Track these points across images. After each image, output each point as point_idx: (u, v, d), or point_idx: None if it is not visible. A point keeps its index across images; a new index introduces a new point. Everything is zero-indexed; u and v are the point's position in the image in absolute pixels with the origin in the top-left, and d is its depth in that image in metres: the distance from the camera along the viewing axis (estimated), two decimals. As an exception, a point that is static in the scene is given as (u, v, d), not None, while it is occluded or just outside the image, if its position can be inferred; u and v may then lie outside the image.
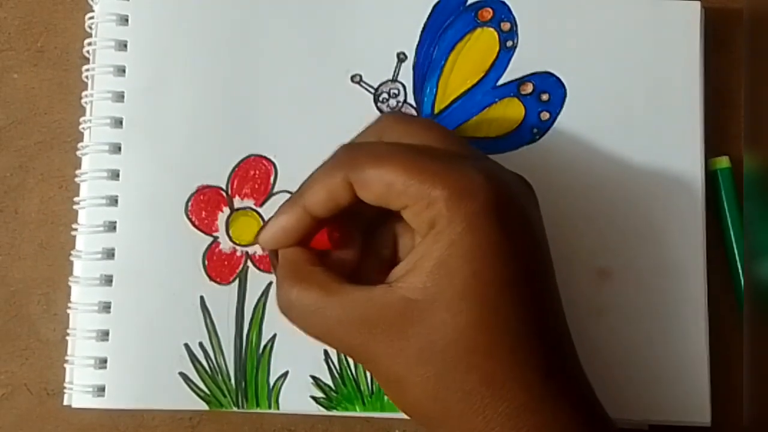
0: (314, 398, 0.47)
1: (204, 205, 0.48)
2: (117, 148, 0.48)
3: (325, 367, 0.47)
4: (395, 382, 0.39)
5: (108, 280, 0.47)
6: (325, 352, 0.47)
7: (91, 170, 0.48)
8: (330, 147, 0.43)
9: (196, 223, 0.48)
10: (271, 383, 0.47)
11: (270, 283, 0.47)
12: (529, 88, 0.50)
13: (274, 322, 0.47)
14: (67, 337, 0.47)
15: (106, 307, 0.47)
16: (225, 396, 0.47)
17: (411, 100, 0.50)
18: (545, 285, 0.40)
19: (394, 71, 0.50)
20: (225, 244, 0.48)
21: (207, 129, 0.49)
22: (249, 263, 0.48)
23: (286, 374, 0.47)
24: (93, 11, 0.49)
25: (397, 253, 0.43)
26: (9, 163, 0.52)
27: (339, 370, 0.47)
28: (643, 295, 0.49)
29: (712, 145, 0.51)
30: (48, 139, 0.52)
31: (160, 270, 0.47)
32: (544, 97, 0.50)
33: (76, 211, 0.48)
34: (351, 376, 0.47)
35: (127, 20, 0.49)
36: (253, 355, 0.47)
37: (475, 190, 0.38)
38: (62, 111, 0.52)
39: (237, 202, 0.48)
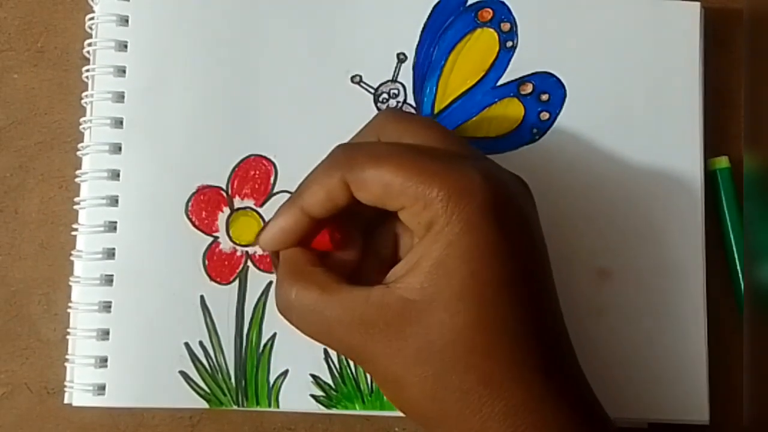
0: (314, 397, 0.47)
1: (204, 205, 0.48)
2: (117, 149, 0.48)
3: (325, 365, 0.47)
4: (393, 382, 0.39)
5: (108, 280, 0.47)
6: (325, 351, 0.47)
7: (91, 170, 0.48)
8: (330, 147, 0.43)
9: (197, 223, 0.48)
10: (271, 382, 0.47)
11: (270, 283, 0.48)
12: (528, 88, 0.50)
13: (274, 321, 0.47)
14: (68, 337, 0.47)
15: (107, 307, 0.47)
16: (225, 395, 0.47)
17: (411, 100, 0.50)
18: (543, 285, 0.40)
19: (394, 71, 0.50)
20: (225, 244, 0.48)
21: (207, 129, 0.49)
22: (249, 263, 0.48)
23: (286, 373, 0.47)
24: (93, 11, 0.49)
25: (397, 253, 0.43)
26: (9, 163, 0.52)
27: (339, 369, 0.47)
28: (642, 294, 0.49)
29: (712, 145, 0.51)
30: (48, 139, 0.52)
31: (160, 270, 0.47)
32: (544, 97, 0.50)
33: (77, 211, 0.48)
34: (351, 375, 0.47)
35: (127, 21, 0.49)
36: (253, 354, 0.47)
37: (472, 190, 0.38)
38: (62, 111, 0.52)
39: (237, 202, 0.48)
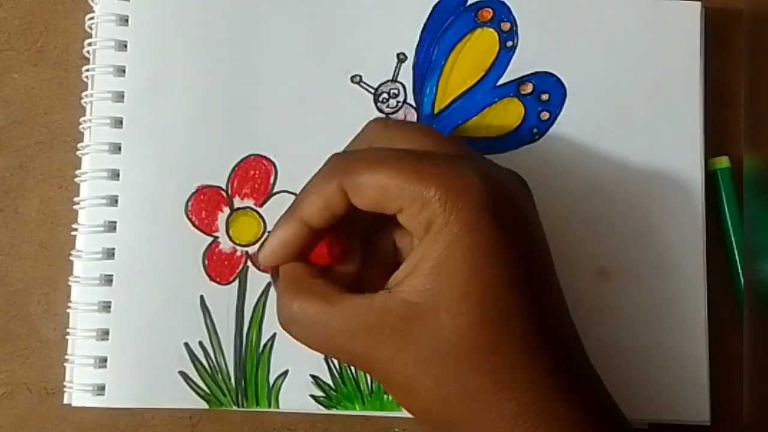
0: (314, 397, 0.47)
1: (204, 205, 0.48)
2: (117, 148, 0.48)
3: (325, 366, 0.47)
4: (404, 387, 0.39)
5: (108, 280, 0.47)
6: (325, 352, 0.47)
7: (91, 170, 0.48)
8: (330, 147, 0.43)
9: (196, 222, 0.48)
10: (271, 382, 0.47)
11: (270, 283, 0.47)
12: (529, 88, 0.50)
13: (274, 321, 0.46)
14: (67, 337, 0.47)
15: (106, 307, 0.47)
16: (225, 395, 0.47)
17: (411, 100, 0.50)
18: (546, 285, 0.40)
19: (394, 71, 0.50)
20: (225, 244, 0.48)
21: (207, 129, 0.49)
22: (249, 263, 0.48)
23: (286, 373, 0.47)
24: (93, 11, 0.49)
25: (397, 257, 0.43)
26: (9, 163, 0.52)
27: (339, 369, 0.47)
28: (642, 294, 0.49)
29: (712, 145, 0.51)
30: (48, 139, 0.52)
31: (160, 270, 0.47)
32: (544, 97, 0.50)
33: (76, 211, 0.48)
34: (351, 375, 0.47)
35: (127, 20, 0.49)
36: (253, 354, 0.47)
37: (470, 189, 0.38)
38: (62, 111, 0.52)
39: (237, 202, 0.48)
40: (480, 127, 0.50)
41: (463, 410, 0.38)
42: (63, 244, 0.50)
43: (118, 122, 0.48)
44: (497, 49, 0.50)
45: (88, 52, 0.49)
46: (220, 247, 0.48)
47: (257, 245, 0.48)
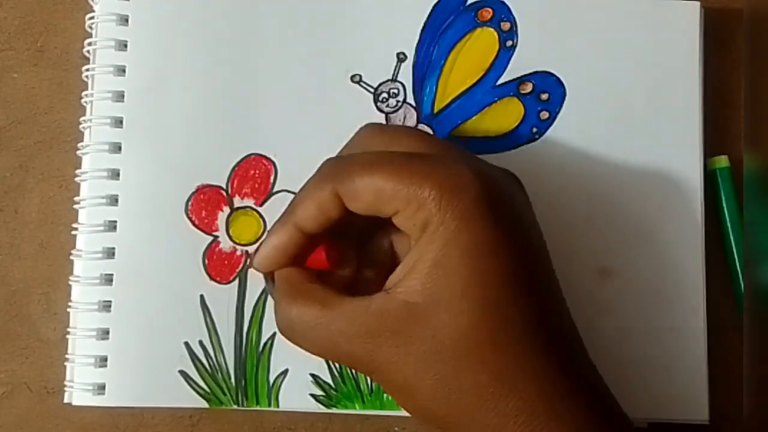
0: (314, 396, 0.47)
1: (204, 205, 0.48)
2: (117, 148, 0.48)
3: (325, 365, 0.47)
4: (404, 388, 0.39)
5: (108, 280, 0.47)
6: (325, 351, 0.47)
7: (91, 170, 0.48)
8: (330, 146, 0.43)
9: (196, 222, 0.48)
10: (271, 381, 0.47)
11: (270, 282, 0.48)
12: (528, 87, 0.50)
13: (274, 320, 0.47)
14: (67, 336, 0.47)
15: (107, 306, 0.47)
16: (225, 394, 0.47)
17: (411, 99, 0.50)
18: (545, 282, 0.40)
19: (394, 71, 0.50)
20: (225, 244, 0.48)
21: (207, 128, 0.49)
22: (249, 262, 0.48)
23: (285, 372, 0.47)
24: (93, 11, 0.49)
25: (393, 260, 0.43)
26: (9, 163, 0.52)
27: (339, 369, 0.47)
28: (642, 293, 0.49)
29: (712, 145, 0.51)
30: (48, 139, 0.52)
31: (160, 269, 0.47)
32: (544, 96, 0.50)
33: (76, 211, 0.48)
34: (350, 375, 0.47)
35: (127, 20, 0.49)
36: (253, 353, 0.47)
37: (464, 186, 0.38)
38: (62, 111, 0.52)
39: (237, 202, 0.48)
40: (480, 126, 0.50)
41: (464, 409, 0.38)
42: (63, 243, 0.50)
43: (118, 122, 0.48)
44: (497, 48, 0.50)
45: (88, 51, 0.49)
46: (220, 246, 0.48)
47: (257, 244, 0.48)
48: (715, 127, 0.52)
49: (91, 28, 0.49)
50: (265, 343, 0.47)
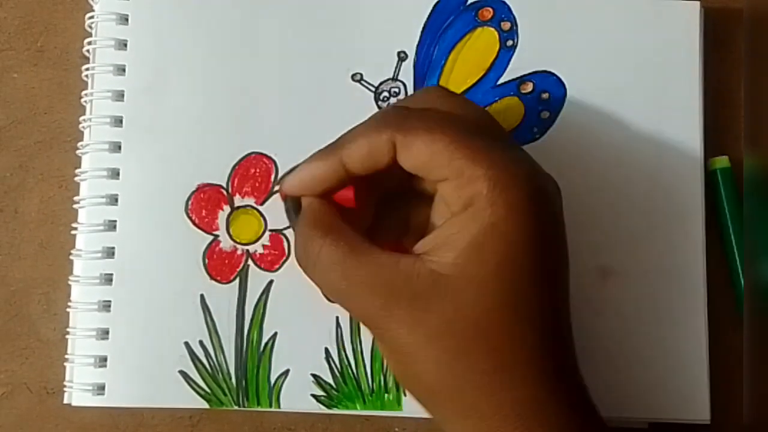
0: (315, 396, 0.47)
1: (204, 204, 0.48)
2: (117, 147, 0.48)
3: (326, 365, 0.47)
4: (406, 353, 0.39)
5: (108, 279, 0.47)
6: (326, 351, 0.47)
7: (91, 169, 0.48)
8: (330, 145, 0.43)
9: (197, 221, 0.48)
10: (272, 381, 0.47)
11: (271, 282, 0.47)
12: (529, 87, 0.50)
13: (275, 320, 0.47)
14: (67, 336, 0.47)
15: (106, 306, 0.47)
16: (225, 394, 0.47)
17: (411, 99, 0.50)
18: (561, 287, 0.41)
19: (395, 70, 0.50)
20: (225, 243, 0.48)
21: (207, 127, 0.49)
22: (249, 262, 0.48)
23: (286, 372, 0.47)
24: (93, 10, 0.49)
25: (410, 227, 0.43)
26: (9, 163, 0.52)
27: (340, 369, 0.47)
28: (642, 294, 0.49)
29: (712, 145, 0.51)
30: (48, 139, 0.52)
31: (160, 269, 0.47)
32: (545, 96, 0.50)
33: (76, 211, 0.48)
34: (352, 375, 0.47)
35: (127, 19, 0.49)
36: (254, 354, 0.47)
37: (519, 179, 0.38)
38: (62, 110, 0.52)
39: (237, 201, 0.48)
40: (480, 126, 0.50)
41: (466, 387, 0.38)
42: (63, 243, 0.50)
43: (118, 121, 0.48)
44: (497, 48, 0.50)
45: (88, 51, 0.49)
46: (221, 245, 0.48)
47: (258, 244, 0.48)
48: (715, 127, 0.52)
49: (90, 27, 0.49)
50: (266, 344, 0.47)
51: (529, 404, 0.37)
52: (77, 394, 0.47)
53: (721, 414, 0.49)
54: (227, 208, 0.48)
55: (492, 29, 0.50)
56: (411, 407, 0.41)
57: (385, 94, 0.49)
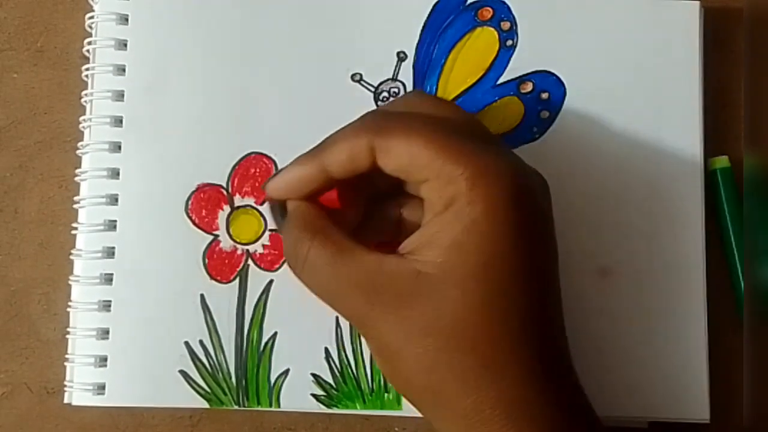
0: (315, 396, 0.47)
1: (204, 204, 0.48)
2: (117, 147, 0.48)
3: (326, 365, 0.47)
4: (391, 351, 0.39)
5: (108, 279, 0.47)
6: (326, 350, 0.47)
7: (91, 169, 0.48)
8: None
9: (197, 221, 0.48)
10: (272, 381, 0.47)
11: (271, 282, 0.47)
12: (528, 86, 0.50)
13: (275, 320, 0.47)
14: (67, 336, 0.47)
15: (107, 306, 0.47)
16: (225, 394, 0.47)
17: (411, 99, 0.50)
18: (549, 285, 0.41)
19: (395, 70, 0.50)
20: (225, 243, 0.48)
21: (207, 127, 0.49)
22: (249, 262, 0.48)
23: (286, 372, 0.47)
24: (93, 10, 0.49)
25: (400, 228, 0.43)
26: (9, 163, 0.52)
27: (340, 368, 0.47)
28: (642, 293, 0.49)
29: (712, 145, 0.51)
30: (48, 139, 0.52)
31: (160, 268, 0.47)
32: (544, 95, 0.50)
33: (76, 211, 0.48)
34: (352, 375, 0.47)
35: (127, 19, 0.49)
36: (254, 353, 0.47)
37: (498, 174, 0.38)
38: (62, 111, 0.52)
39: (237, 201, 0.48)
40: (480, 126, 0.50)
41: (448, 386, 0.38)
42: (63, 243, 0.50)
43: (118, 121, 0.48)
44: (497, 48, 0.50)
45: (88, 51, 0.49)
46: (221, 245, 0.48)
47: (258, 243, 0.48)
48: (715, 127, 0.52)
49: (90, 27, 0.49)
50: (266, 343, 0.47)
51: (515, 404, 0.37)
52: (77, 394, 0.47)
53: (721, 414, 0.49)
54: (227, 208, 0.48)
55: (492, 29, 0.50)
56: (411, 407, 0.41)
57: (385, 94, 0.49)
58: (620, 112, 0.50)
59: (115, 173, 0.48)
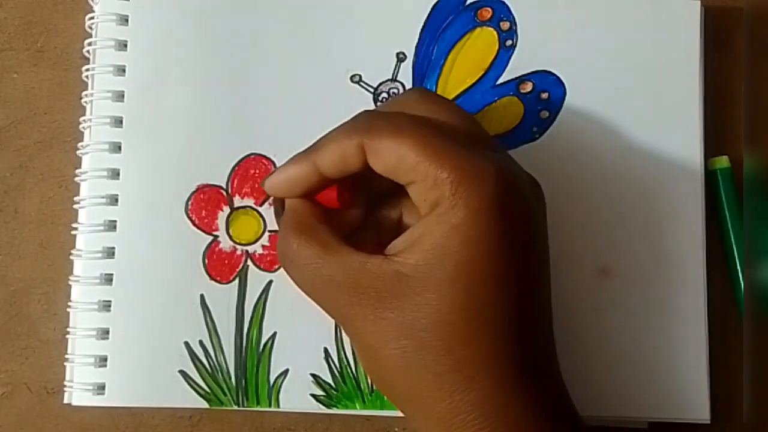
0: (314, 396, 0.47)
1: (204, 204, 0.48)
2: (117, 147, 0.48)
3: (326, 365, 0.47)
4: (370, 350, 0.40)
5: (108, 279, 0.47)
6: (325, 351, 0.47)
7: (91, 169, 0.48)
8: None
9: (196, 222, 0.48)
10: (272, 381, 0.47)
11: (270, 282, 0.47)
12: (528, 86, 0.50)
13: (275, 320, 0.47)
14: (67, 336, 0.47)
15: (107, 306, 0.47)
16: (225, 394, 0.47)
17: (411, 99, 0.50)
18: (536, 286, 0.40)
19: (394, 71, 0.50)
20: (225, 243, 0.48)
21: (207, 128, 0.49)
22: (249, 262, 0.48)
23: (286, 372, 0.47)
24: (93, 11, 0.49)
25: (399, 228, 0.43)
26: (9, 163, 0.52)
27: (339, 369, 0.47)
28: (642, 293, 0.49)
29: (712, 145, 0.51)
30: (48, 139, 0.52)
31: (160, 269, 0.47)
32: (544, 95, 0.50)
33: (76, 211, 0.48)
34: (351, 375, 0.47)
35: (127, 20, 0.49)
36: (254, 353, 0.47)
37: (483, 178, 0.38)
38: (62, 111, 0.52)
39: (237, 201, 0.48)
40: (480, 126, 0.50)
41: (423, 389, 0.38)
42: (63, 243, 0.50)
43: (118, 121, 0.48)
44: (497, 48, 0.50)
45: (88, 51, 0.49)
46: (220, 246, 0.48)
47: (257, 244, 0.48)
48: (715, 127, 0.52)
49: (91, 28, 0.49)
50: (266, 343, 0.47)
51: (492, 408, 0.38)
52: (77, 394, 0.47)
53: (721, 414, 0.49)
54: (227, 209, 0.48)
55: (491, 29, 0.50)
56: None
57: (384, 95, 0.49)
58: (620, 112, 0.50)
59: (115, 173, 0.48)
